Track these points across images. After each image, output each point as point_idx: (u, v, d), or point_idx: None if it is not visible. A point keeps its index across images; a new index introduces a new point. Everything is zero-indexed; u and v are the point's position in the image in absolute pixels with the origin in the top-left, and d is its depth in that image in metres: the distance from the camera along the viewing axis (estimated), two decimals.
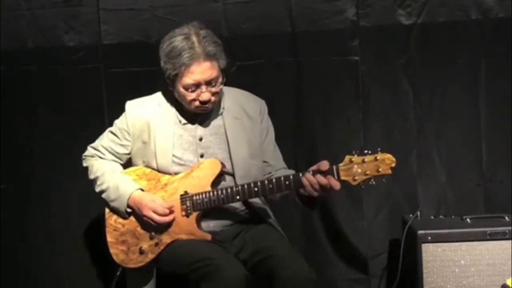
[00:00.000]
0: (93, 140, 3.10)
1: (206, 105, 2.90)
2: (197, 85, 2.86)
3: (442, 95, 3.57)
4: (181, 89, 2.87)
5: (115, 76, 3.56)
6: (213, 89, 2.87)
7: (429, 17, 3.51)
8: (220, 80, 2.88)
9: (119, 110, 3.10)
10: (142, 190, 2.95)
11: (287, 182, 2.78)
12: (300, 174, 2.76)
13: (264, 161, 3.03)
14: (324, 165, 2.72)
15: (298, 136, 3.58)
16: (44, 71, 3.60)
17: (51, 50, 3.58)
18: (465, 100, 3.56)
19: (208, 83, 2.86)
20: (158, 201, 2.90)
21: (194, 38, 2.84)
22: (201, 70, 2.83)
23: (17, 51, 3.58)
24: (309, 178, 2.73)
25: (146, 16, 3.54)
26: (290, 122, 3.55)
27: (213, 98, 2.89)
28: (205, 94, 2.86)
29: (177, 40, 2.85)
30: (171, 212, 2.89)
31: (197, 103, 2.89)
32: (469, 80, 3.55)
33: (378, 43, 3.55)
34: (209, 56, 2.83)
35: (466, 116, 3.57)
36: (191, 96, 2.87)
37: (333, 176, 2.72)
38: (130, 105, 3.04)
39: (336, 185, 2.71)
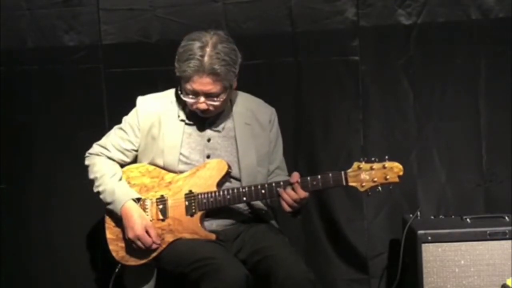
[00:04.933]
0: (93, 140, 3.09)
1: (204, 114, 2.90)
2: (196, 94, 2.85)
3: (442, 95, 3.56)
4: (183, 91, 2.88)
5: (115, 76, 3.56)
6: (213, 102, 2.86)
7: (429, 17, 3.51)
8: (222, 95, 2.86)
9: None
10: (139, 199, 2.91)
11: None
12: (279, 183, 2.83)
13: (276, 168, 3.05)
14: (294, 176, 2.79)
15: (298, 136, 3.58)
16: (44, 71, 3.59)
17: (51, 50, 3.57)
18: (465, 100, 3.56)
19: (208, 95, 2.85)
20: (148, 226, 2.87)
21: (207, 50, 2.81)
22: (201, 83, 2.82)
23: (17, 51, 3.58)
24: (283, 195, 2.80)
25: (146, 16, 3.54)
26: (290, 122, 3.55)
27: (211, 108, 2.88)
28: (201, 104, 2.86)
29: (192, 45, 2.82)
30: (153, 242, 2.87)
31: (195, 107, 2.89)
32: (469, 80, 3.55)
33: (378, 43, 3.55)
34: (213, 74, 2.81)
35: (466, 116, 3.57)
36: (190, 100, 2.88)
37: (342, 183, 2.78)
38: (141, 100, 3.02)
39: (303, 194, 2.78)
